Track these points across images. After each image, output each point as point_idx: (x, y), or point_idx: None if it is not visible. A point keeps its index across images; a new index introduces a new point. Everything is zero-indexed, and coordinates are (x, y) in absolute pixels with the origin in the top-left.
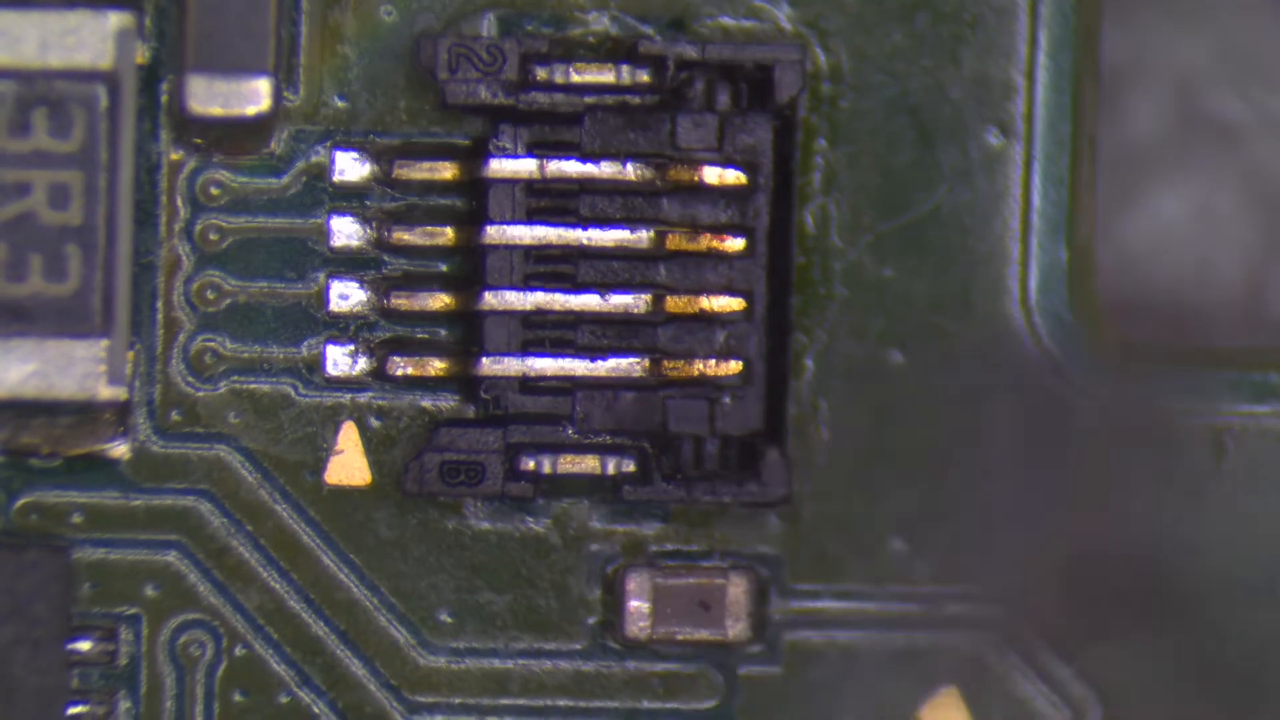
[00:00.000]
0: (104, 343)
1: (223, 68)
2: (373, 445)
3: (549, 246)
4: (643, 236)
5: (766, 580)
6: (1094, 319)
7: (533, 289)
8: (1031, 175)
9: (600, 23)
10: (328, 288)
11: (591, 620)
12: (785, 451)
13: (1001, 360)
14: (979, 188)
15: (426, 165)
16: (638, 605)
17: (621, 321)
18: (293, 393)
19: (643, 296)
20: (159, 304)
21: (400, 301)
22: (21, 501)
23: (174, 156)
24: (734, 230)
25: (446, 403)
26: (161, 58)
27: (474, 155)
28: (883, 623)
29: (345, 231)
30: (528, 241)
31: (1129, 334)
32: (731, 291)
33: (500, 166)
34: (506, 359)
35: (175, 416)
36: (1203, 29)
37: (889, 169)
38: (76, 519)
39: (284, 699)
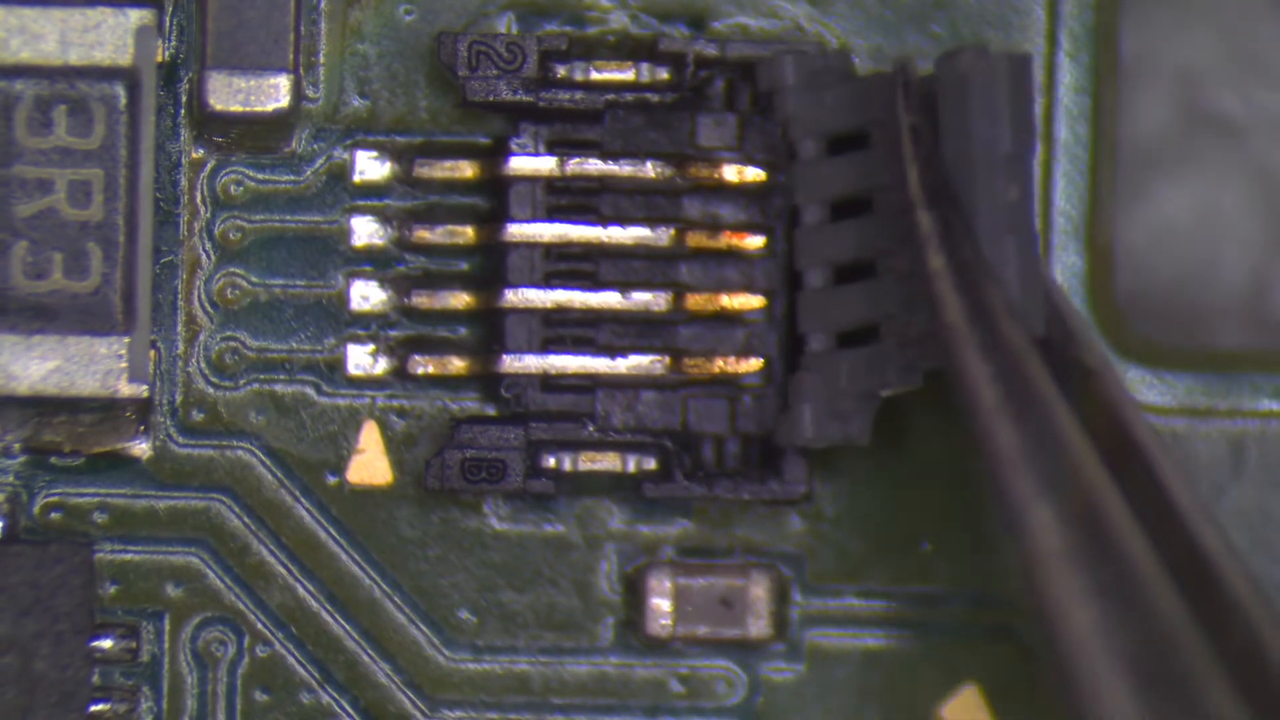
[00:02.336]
0: (125, 340)
1: (243, 65)
2: (394, 444)
3: (570, 245)
4: (663, 235)
5: (788, 579)
6: (1114, 320)
7: (553, 287)
8: (1052, 176)
9: (620, 21)
10: (349, 288)
11: (613, 619)
12: (806, 450)
13: None
14: None
15: (447, 164)
16: (659, 604)
17: (642, 320)
18: (314, 392)
19: (663, 295)
20: (180, 302)
21: (421, 300)
22: (44, 499)
23: (195, 156)
24: (754, 229)
25: (468, 401)
26: (181, 55)
27: (494, 154)
28: (904, 621)
29: (366, 231)
30: (548, 240)
31: (1134, 329)
32: (752, 290)
33: (521, 165)
34: (527, 357)
35: (197, 415)
36: (1210, 28)
37: None
38: (99, 518)
39: (306, 697)
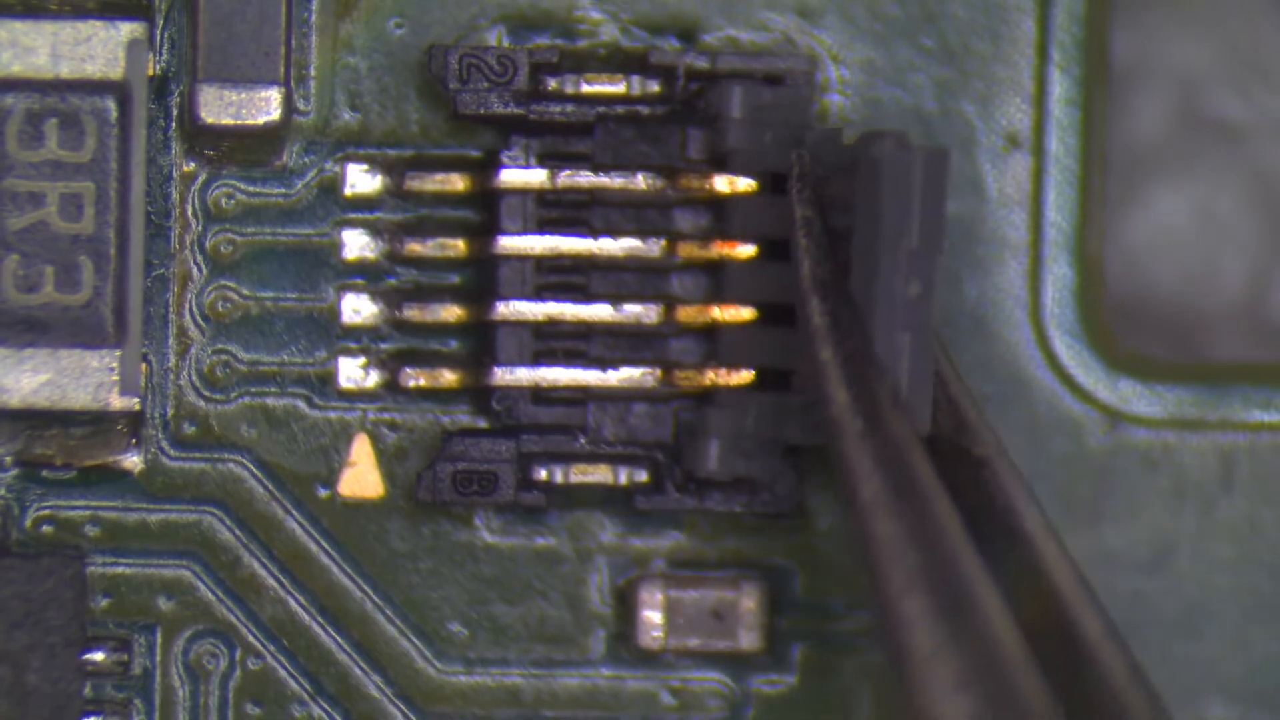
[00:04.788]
0: (117, 353)
1: (234, 78)
2: (385, 457)
3: (561, 257)
4: (654, 247)
5: (779, 591)
6: (1105, 332)
7: (545, 300)
8: (1042, 188)
9: (610, 34)
10: (340, 301)
11: (604, 631)
12: (797, 462)
13: (1012, 371)
14: (990, 200)
15: (438, 177)
16: (650, 616)
17: (633, 332)
18: (305, 405)
19: (654, 307)
20: (171, 315)
21: (412, 313)
22: (35, 513)
23: (186, 169)
24: (745, 240)
25: (459, 414)
26: (173, 68)
27: (485, 167)
28: None
29: (357, 244)
30: (539, 252)
31: (1133, 338)
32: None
33: (512, 178)
34: (519, 370)
35: (188, 428)
36: (1207, 31)
37: None
38: (90, 531)
39: (298, 710)
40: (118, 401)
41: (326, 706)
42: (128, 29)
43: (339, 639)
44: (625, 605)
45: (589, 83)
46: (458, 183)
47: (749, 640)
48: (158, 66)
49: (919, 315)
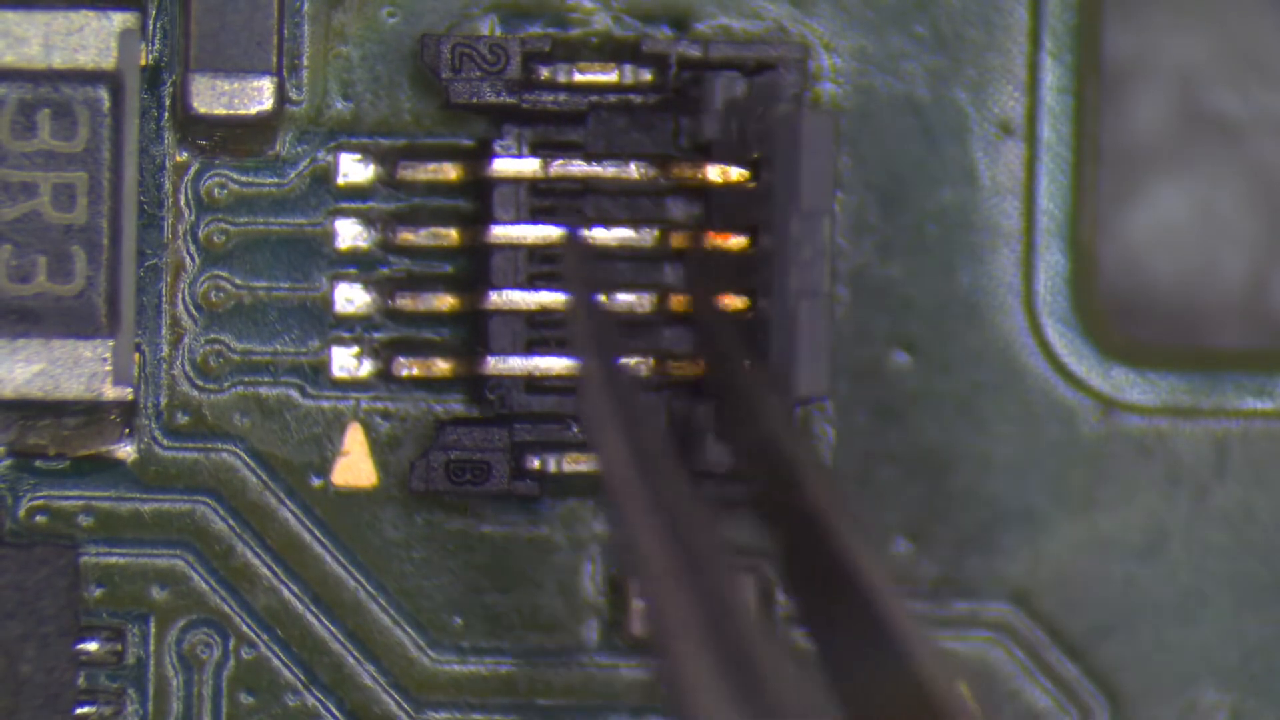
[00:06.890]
0: (110, 343)
1: (226, 68)
2: (379, 446)
3: (553, 247)
4: (647, 236)
5: (772, 580)
6: (1098, 319)
7: (537, 289)
8: (1035, 175)
9: (603, 23)
10: (333, 290)
11: (597, 620)
12: None
13: (1005, 359)
14: (983, 188)
15: (431, 166)
16: (644, 605)
17: (625, 321)
18: (298, 394)
19: (647, 296)
20: (164, 305)
21: (405, 302)
22: (29, 503)
23: (179, 159)
24: (738, 229)
25: (452, 403)
26: (165, 58)
27: (478, 156)
28: None
29: (350, 233)
30: (532, 241)
31: (1131, 332)
32: (735, 291)
33: (504, 167)
34: (511, 359)
35: (181, 418)
36: (1205, 26)
37: (893, 169)
38: (84, 520)
39: (291, 699)
40: (111, 391)
41: (320, 696)
42: (120, 19)
43: (332, 628)
44: (619, 594)
45: (581, 71)
46: (450, 172)
47: None
48: (150, 56)
49: (812, 279)
